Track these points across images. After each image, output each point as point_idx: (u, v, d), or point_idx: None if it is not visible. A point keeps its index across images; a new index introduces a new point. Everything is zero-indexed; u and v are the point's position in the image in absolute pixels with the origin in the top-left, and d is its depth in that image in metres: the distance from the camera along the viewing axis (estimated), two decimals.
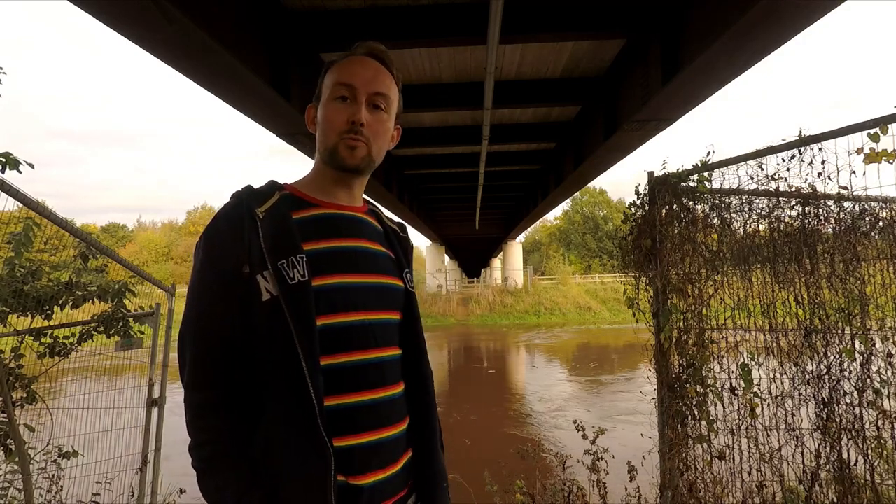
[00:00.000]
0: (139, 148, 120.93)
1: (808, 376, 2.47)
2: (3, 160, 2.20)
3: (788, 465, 2.51)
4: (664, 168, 2.93)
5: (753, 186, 2.65)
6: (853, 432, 2.36)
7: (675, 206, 2.86)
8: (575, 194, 25.20)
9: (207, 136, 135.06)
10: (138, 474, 3.46)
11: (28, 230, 2.55)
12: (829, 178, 2.38)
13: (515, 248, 31.96)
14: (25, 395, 2.70)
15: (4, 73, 2.51)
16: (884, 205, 2.54)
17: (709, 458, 2.68)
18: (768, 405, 2.54)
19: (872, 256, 2.53)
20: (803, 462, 2.48)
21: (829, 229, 2.52)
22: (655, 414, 2.90)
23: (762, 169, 2.59)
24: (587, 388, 11.44)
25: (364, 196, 1.11)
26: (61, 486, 2.92)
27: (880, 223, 2.51)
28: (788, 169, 2.50)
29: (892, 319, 2.51)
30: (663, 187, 2.88)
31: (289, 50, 4.33)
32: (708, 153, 2.77)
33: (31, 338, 2.82)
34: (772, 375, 2.55)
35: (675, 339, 2.78)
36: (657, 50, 4.31)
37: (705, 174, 2.77)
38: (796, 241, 2.53)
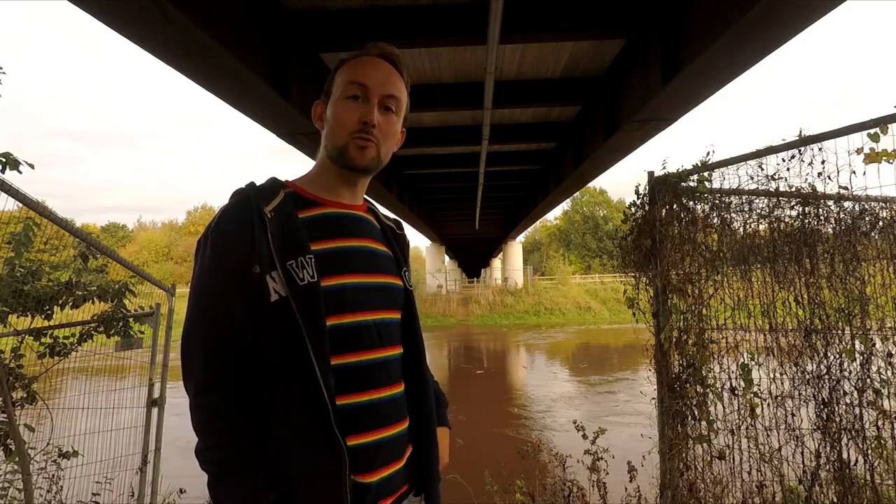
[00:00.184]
0: (139, 148, 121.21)
1: (808, 376, 2.46)
2: (3, 160, 2.19)
3: (788, 465, 2.50)
4: (664, 168, 2.93)
5: (753, 186, 2.65)
6: (853, 432, 2.36)
7: (675, 206, 2.86)
8: (575, 194, 25.20)
9: (207, 136, 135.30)
10: (138, 474, 3.46)
11: (28, 230, 2.55)
12: (829, 178, 2.38)
13: (515, 248, 31.95)
14: (25, 395, 2.70)
15: (4, 73, 2.51)
16: (884, 205, 2.54)
17: (709, 458, 2.68)
18: (768, 405, 2.54)
19: (872, 256, 2.53)
20: (803, 462, 2.47)
21: (829, 229, 2.51)
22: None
23: (762, 169, 2.59)
24: (579, 388, 11.44)
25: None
26: (61, 486, 2.92)
27: (880, 223, 2.51)
28: (788, 169, 2.50)
29: (892, 319, 2.51)
30: (663, 187, 2.88)
31: (289, 50, 4.33)
32: (708, 153, 2.78)
33: (31, 338, 2.82)
34: (772, 375, 2.55)
35: (675, 339, 2.78)
36: (657, 50, 4.31)
37: (705, 174, 2.77)
38: (796, 241, 2.53)
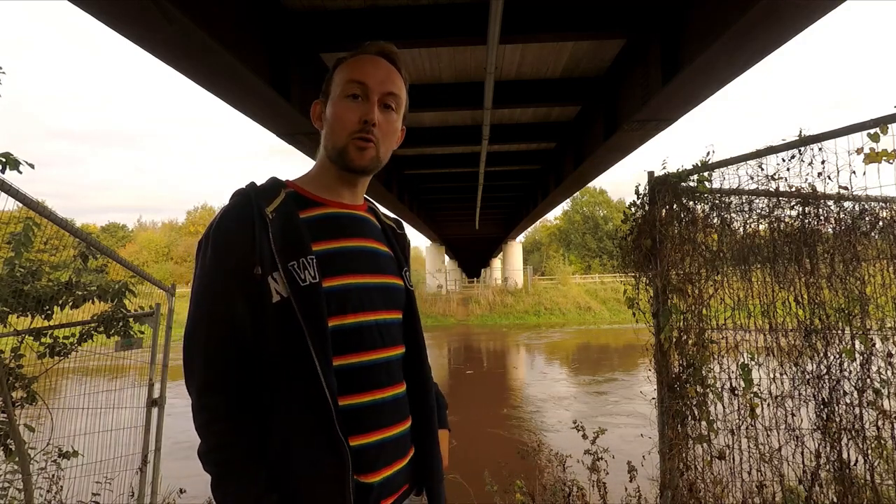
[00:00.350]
0: (139, 148, 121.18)
1: (808, 376, 2.46)
2: (3, 160, 2.19)
3: (788, 465, 2.50)
4: (664, 168, 2.93)
5: (753, 186, 2.65)
6: (853, 432, 2.36)
7: (675, 206, 2.86)
8: (575, 194, 25.20)
9: (207, 136, 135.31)
10: (138, 474, 3.46)
11: (28, 230, 2.55)
12: (829, 178, 2.38)
13: (515, 248, 31.95)
14: (25, 395, 2.70)
15: (4, 73, 2.51)
16: (884, 205, 2.54)
17: (709, 458, 2.68)
18: (768, 405, 2.54)
19: (872, 256, 2.53)
20: (803, 462, 2.47)
21: (829, 229, 2.51)
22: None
23: (762, 169, 2.59)
24: (570, 389, 11.44)
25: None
26: (61, 486, 2.92)
27: (880, 223, 2.51)
28: (788, 169, 2.50)
29: (892, 319, 2.51)
30: (663, 187, 2.88)
31: (289, 50, 4.33)
32: (708, 153, 2.78)
33: (31, 338, 2.82)
34: (772, 375, 2.55)
35: (675, 339, 2.78)
36: (657, 50, 4.31)
37: (705, 174, 2.77)
38: (796, 241, 2.53)
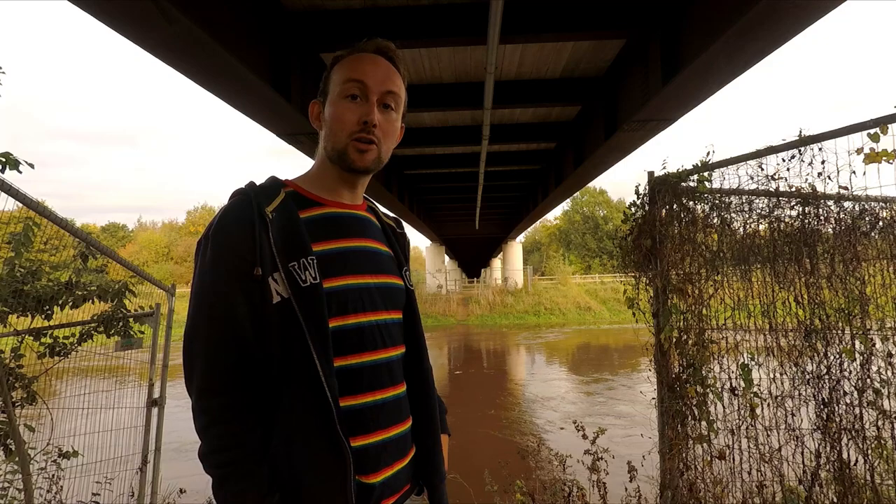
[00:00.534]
0: (139, 148, 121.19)
1: (808, 376, 2.46)
2: (3, 160, 2.20)
3: (788, 465, 2.50)
4: (664, 168, 2.93)
5: (753, 186, 2.65)
6: (853, 432, 2.36)
7: (675, 206, 2.86)
8: (575, 194, 25.20)
9: (207, 136, 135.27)
10: (138, 474, 3.46)
11: (28, 230, 2.55)
12: (829, 178, 2.38)
13: (515, 248, 31.95)
14: (25, 395, 2.70)
15: (4, 72, 2.51)
16: (884, 205, 2.54)
17: (709, 458, 2.68)
18: (768, 405, 2.54)
19: (872, 256, 2.53)
20: (803, 462, 2.47)
21: (829, 229, 2.51)
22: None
23: (762, 169, 2.59)
24: (560, 389, 11.45)
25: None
26: (61, 486, 2.92)
27: (880, 223, 2.51)
28: (788, 169, 2.50)
29: (892, 319, 2.51)
30: (663, 187, 2.88)
31: (289, 50, 4.33)
32: (708, 153, 2.78)
33: (31, 338, 2.82)
34: (772, 375, 2.55)
35: (675, 339, 2.78)
36: (657, 50, 4.31)
37: (705, 174, 2.77)
38: (796, 241, 2.53)
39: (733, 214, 2.75)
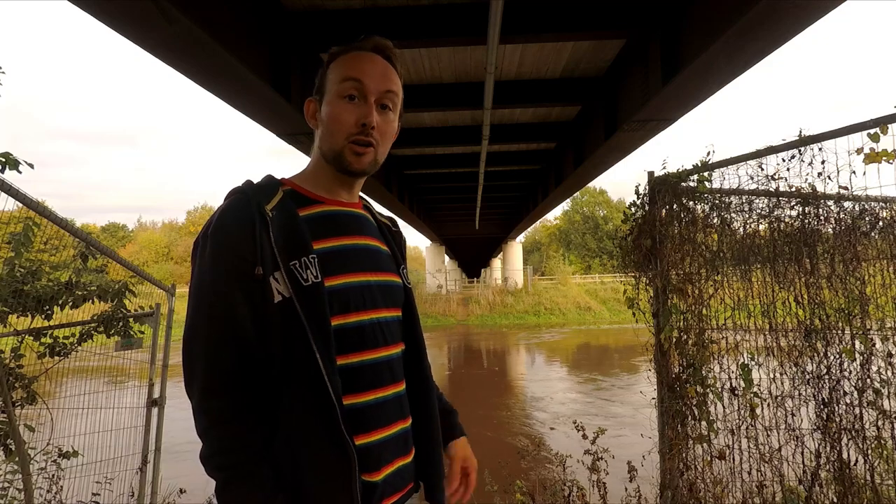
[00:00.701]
0: (139, 148, 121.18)
1: (808, 376, 2.46)
2: (3, 160, 2.20)
3: (788, 465, 2.51)
4: (664, 168, 2.93)
5: (753, 186, 2.65)
6: (853, 432, 2.36)
7: (675, 206, 2.86)
8: (575, 194, 25.19)
9: (207, 136, 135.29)
10: (138, 474, 3.46)
11: (28, 230, 2.55)
12: (829, 178, 2.38)
13: (515, 248, 31.95)
14: (25, 395, 2.70)
15: (4, 72, 2.51)
16: (884, 205, 2.54)
17: (709, 458, 2.68)
18: (768, 405, 2.54)
19: (872, 256, 2.53)
20: (803, 462, 2.47)
21: (829, 229, 2.51)
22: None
23: (762, 169, 2.59)
24: (571, 390, 11.45)
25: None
26: (61, 486, 2.92)
27: (880, 223, 2.51)
28: (788, 169, 2.50)
29: (892, 319, 2.51)
30: (663, 187, 2.88)
31: (289, 50, 4.33)
32: (708, 153, 2.78)
33: (31, 338, 2.82)
34: (772, 375, 2.55)
35: (675, 339, 2.78)
36: (657, 50, 4.31)
37: (705, 174, 2.77)
38: (796, 241, 2.53)
39: (733, 214, 2.75)
